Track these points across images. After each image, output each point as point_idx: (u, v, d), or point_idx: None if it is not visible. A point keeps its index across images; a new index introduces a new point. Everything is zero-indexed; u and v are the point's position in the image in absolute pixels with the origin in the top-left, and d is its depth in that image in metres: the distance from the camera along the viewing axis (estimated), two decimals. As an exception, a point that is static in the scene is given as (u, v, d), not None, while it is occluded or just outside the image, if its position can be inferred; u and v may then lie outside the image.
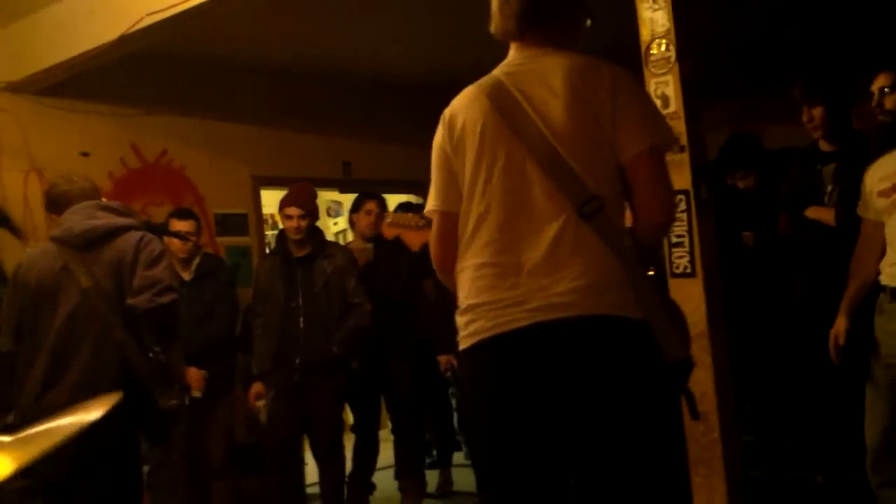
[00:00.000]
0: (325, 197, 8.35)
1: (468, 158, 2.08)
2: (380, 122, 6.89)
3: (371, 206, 5.21)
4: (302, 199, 4.70)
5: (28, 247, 5.38)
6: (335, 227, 8.96)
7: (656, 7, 3.37)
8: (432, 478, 5.61)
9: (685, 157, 3.33)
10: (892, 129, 3.37)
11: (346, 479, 4.90)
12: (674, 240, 3.36)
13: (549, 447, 1.98)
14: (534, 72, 2.07)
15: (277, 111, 6.42)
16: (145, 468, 5.07)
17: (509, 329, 1.95)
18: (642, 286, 1.96)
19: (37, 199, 5.45)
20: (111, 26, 4.53)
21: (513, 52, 2.17)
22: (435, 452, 5.93)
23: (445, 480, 5.66)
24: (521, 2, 2.12)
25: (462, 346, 2.07)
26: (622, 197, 2.04)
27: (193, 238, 4.78)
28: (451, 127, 2.14)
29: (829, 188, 3.81)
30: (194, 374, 4.59)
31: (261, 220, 6.58)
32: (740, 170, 4.58)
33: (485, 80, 2.13)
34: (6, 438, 1.37)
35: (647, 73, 3.40)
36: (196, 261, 4.84)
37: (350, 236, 8.61)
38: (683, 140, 3.32)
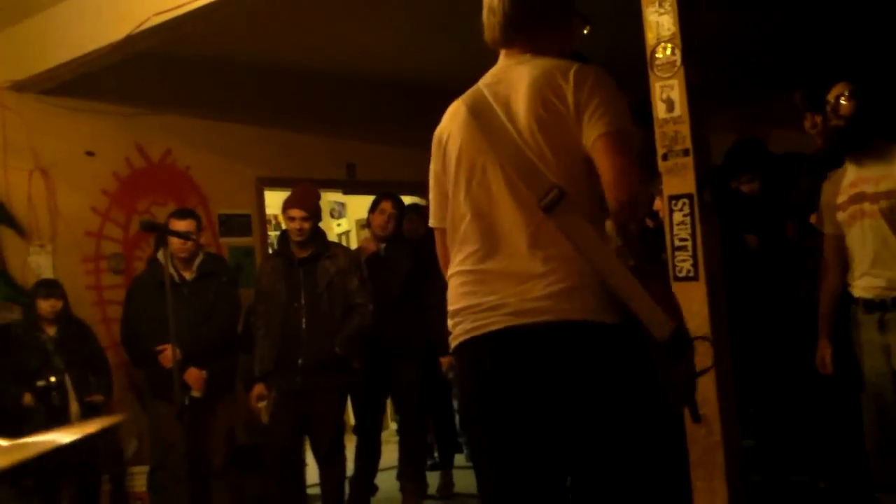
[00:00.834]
0: (329, 198, 8.37)
1: (450, 172, 2.15)
2: (384, 123, 6.89)
3: (385, 205, 5.20)
4: (305, 202, 4.69)
5: (31, 245, 5.42)
6: (338, 228, 8.97)
7: (662, 11, 3.37)
8: (433, 479, 5.61)
9: (689, 160, 3.33)
10: (845, 136, 3.37)
11: (348, 480, 4.90)
12: (677, 243, 3.36)
13: (530, 444, 2.04)
14: (509, 79, 2.12)
15: (282, 112, 6.42)
16: (145, 468, 5.11)
17: (486, 331, 2.04)
18: (616, 277, 1.96)
19: (41, 197, 5.47)
20: (117, 26, 4.54)
21: (500, 60, 2.21)
22: (436, 454, 5.93)
23: (447, 482, 5.66)
24: (506, 11, 2.15)
25: (451, 347, 2.16)
26: (596, 191, 2.04)
27: (194, 237, 4.78)
28: (438, 144, 2.22)
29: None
30: (194, 374, 4.60)
31: (264, 220, 6.59)
32: (745, 174, 4.58)
33: (468, 92, 2.19)
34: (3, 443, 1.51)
35: (652, 77, 3.40)
36: (198, 260, 4.84)
37: (353, 237, 8.67)
38: (688, 144, 3.32)
